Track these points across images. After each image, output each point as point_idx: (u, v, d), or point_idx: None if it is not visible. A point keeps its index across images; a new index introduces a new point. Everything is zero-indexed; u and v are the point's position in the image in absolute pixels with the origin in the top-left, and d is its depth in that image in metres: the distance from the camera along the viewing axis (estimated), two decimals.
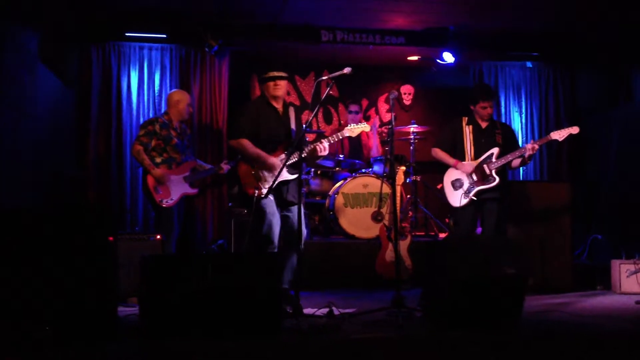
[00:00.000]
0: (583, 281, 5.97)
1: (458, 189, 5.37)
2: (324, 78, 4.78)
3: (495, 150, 5.34)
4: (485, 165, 5.30)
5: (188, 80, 7.06)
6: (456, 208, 5.39)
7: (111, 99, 6.86)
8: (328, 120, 8.55)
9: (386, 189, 6.09)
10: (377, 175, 6.64)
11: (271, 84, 4.78)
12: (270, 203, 4.66)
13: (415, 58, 7.98)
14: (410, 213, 7.02)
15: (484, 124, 5.48)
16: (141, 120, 6.68)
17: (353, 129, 4.84)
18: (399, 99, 8.67)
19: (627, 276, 5.54)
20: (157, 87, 6.99)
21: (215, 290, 3.72)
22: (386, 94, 8.55)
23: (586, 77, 7.77)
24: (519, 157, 5.27)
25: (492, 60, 7.84)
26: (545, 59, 7.81)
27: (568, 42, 7.51)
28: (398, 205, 5.53)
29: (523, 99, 7.88)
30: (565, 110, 7.79)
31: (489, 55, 7.79)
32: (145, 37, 6.97)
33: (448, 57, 7.31)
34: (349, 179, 6.62)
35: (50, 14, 5.80)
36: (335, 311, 4.27)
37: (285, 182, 4.73)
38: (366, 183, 6.56)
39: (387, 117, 8.63)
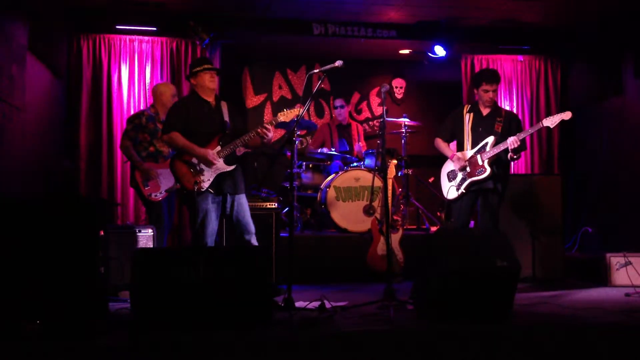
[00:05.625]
0: (574, 273, 6.01)
1: (451, 181, 5.24)
2: (315, 71, 4.77)
3: (490, 140, 5.08)
4: (478, 156, 5.10)
5: (179, 73, 7.02)
6: (449, 200, 5.28)
7: (102, 91, 6.83)
8: (320, 113, 8.54)
9: (378, 182, 6.10)
10: (369, 169, 6.64)
11: (207, 75, 4.68)
12: (205, 199, 4.60)
13: (406, 51, 7.99)
14: (402, 206, 7.03)
15: (485, 111, 5.22)
16: (132, 112, 6.65)
17: (286, 114, 4.69)
18: (390, 92, 8.68)
19: (617, 269, 5.56)
20: (147, 80, 6.95)
21: (206, 283, 3.71)
22: (378, 88, 8.55)
23: (577, 70, 7.80)
24: (507, 150, 5.02)
25: (484, 54, 7.84)
26: (536, 53, 7.83)
27: (559, 36, 7.54)
28: (390, 198, 5.53)
29: (514, 93, 7.89)
30: (556, 104, 7.82)
31: (480, 49, 7.80)
32: (135, 30, 6.94)
33: (439, 51, 7.32)
34: (340, 173, 6.61)
35: (40, 5, 5.75)
36: (327, 304, 4.27)
37: (224, 175, 4.64)
38: (358, 176, 6.56)
39: (379, 110, 8.64)
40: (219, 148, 4.64)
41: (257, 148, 4.80)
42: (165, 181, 5.44)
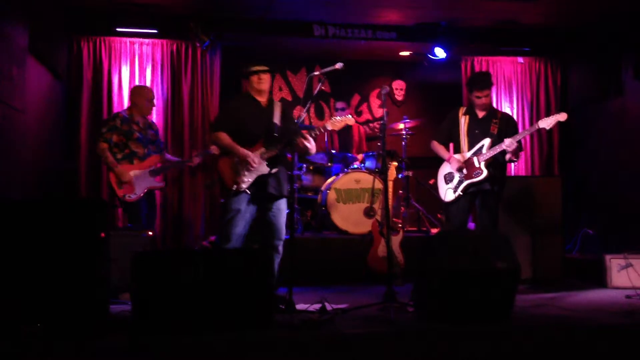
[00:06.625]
0: (574, 275, 6.01)
1: (448, 183, 5.24)
2: (315, 73, 4.77)
3: (486, 142, 5.08)
4: (475, 158, 5.10)
5: (179, 75, 7.03)
6: (446, 203, 5.28)
7: (102, 93, 6.84)
8: (320, 115, 8.54)
9: (378, 184, 6.09)
10: (369, 171, 6.64)
11: (255, 78, 4.70)
12: (240, 199, 4.58)
13: (407, 53, 7.99)
14: (403, 208, 7.03)
15: (481, 114, 5.22)
16: None
17: (335, 122, 4.69)
18: (390, 94, 8.68)
19: (618, 271, 5.56)
20: (148, 83, 6.95)
21: (206, 285, 3.71)
22: (378, 90, 8.55)
23: (577, 71, 7.80)
24: (505, 152, 5.03)
25: (484, 55, 7.84)
26: (536, 54, 7.82)
27: (559, 36, 7.54)
28: (390, 200, 5.53)
29: (514, 94, 7.89)
30: (556, 105, 7.82)
31: (480, 50, 7.79)
32: (135, 32, 6.94)
33: (439, 52, 7.33)
34: (341, 175, 6.61)
35: (40, 7, 5.75)
36: (328, 306, 4.27)
37: (265, 177, 4.62)
38: (358, 179, 6.55)
39: (379, 112, 8.64)
40: (263, 150, 4.62)
41: (303, 153, 4.76)
42: (142, 182, 5.45)
